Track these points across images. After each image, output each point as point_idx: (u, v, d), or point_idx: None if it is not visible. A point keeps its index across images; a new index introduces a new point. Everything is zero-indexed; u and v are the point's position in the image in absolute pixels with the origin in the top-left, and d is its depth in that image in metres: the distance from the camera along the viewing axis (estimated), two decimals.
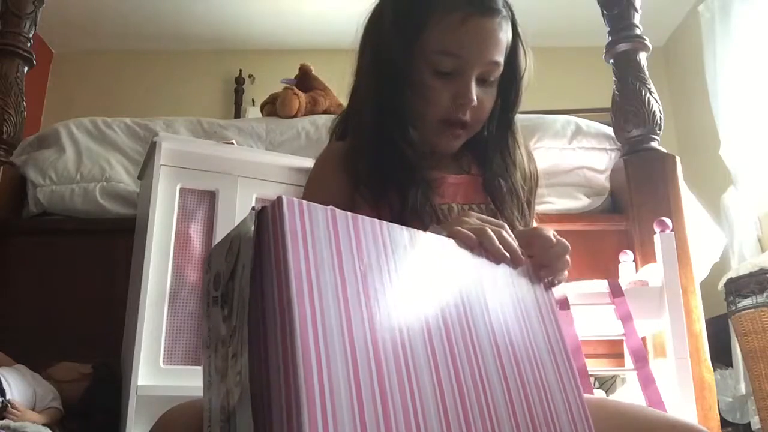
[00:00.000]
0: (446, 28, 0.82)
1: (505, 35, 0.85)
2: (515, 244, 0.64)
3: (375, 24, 0.90)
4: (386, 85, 0.86)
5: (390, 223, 0.53)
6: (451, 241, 0.59)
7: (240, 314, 0.45)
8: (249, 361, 0.43)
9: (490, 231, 0.62)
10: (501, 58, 0.85)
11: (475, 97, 0.83)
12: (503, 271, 0.62)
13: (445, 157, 0.92)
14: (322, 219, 0.47)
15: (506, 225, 0.65)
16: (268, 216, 0.45)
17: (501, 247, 0.62)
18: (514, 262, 0.63)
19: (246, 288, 0.44)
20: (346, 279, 0.46)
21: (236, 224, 0.48)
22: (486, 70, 0.84)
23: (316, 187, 0.90)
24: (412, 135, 0.87)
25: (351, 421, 0.40)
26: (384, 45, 0.86)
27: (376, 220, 0.51)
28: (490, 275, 0.61)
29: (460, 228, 0.61)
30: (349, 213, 0.50)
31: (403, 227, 0.54)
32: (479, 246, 0.61)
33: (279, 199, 0.45)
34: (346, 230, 0.48)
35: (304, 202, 0.46)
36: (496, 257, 0.62)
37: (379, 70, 0.87)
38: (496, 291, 0.60)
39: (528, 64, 0.89)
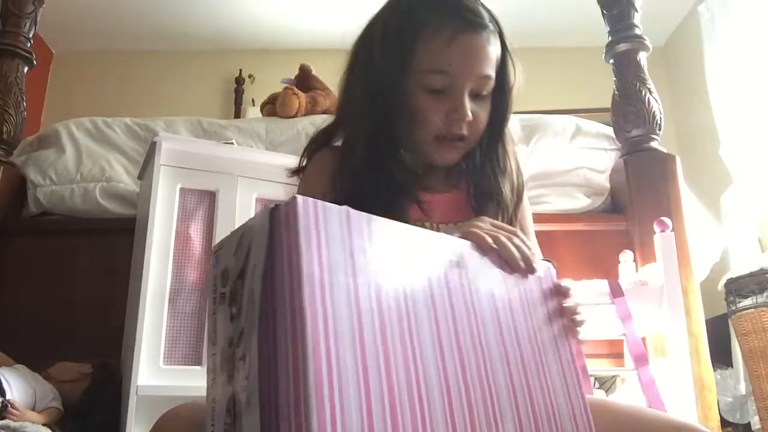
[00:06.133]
0: (435, 48, 0.83)
1: (494, 49, 0.85)
2: (528, 250, 0.64)
3: (364, 48, 0.90)
4: (378, 110, 0.86)
5: (405, 224, 0.52)
6: (466, 243, 0.60)
7: (250, 316, 0.44)
8: (258, 362, 0.42)
9: (503, 236, 0.63)
10: (492, 72, 0.86)
11: (469, 112, 0.84)
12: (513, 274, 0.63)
13: (433, 176, 0.92)
14: (336, 219, 0.46)
15: (519, 231, 0.66)
16: (281, 215, 0.44)
17: (515, 251, 0.63)
18: (527, 268, 0.64)
19: (257, 289, 0.43)
20: (359, 281, 0.45)
21: (244, 222, 0.47)
22: (478, 85, 0.85)
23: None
24: (404, 157, 0.87)
25: (359, 425, 0.40)
26: (374, 70, 0.87)
27: (392, 221, 0.51)
28: (500, 275, 0.61)
29: (473, 230, 0.62)
30: (363, 213, 0.49)
31: (419, 228, 0.53)
32: (492, 249, 0.62)
33: (293, 198, 0.44)
34: (360, 231, 0.47)
35: (319, 201, 0.45)
36: (508, 261, 0.62)
37: (371, 95, 0.87)
38: (505, 289, 0.60)
39: (517, 76, 0.90)
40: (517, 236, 0.65)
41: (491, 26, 0.85)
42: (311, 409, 0.38)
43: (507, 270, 0.62)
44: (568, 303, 0.68)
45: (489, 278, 0.59)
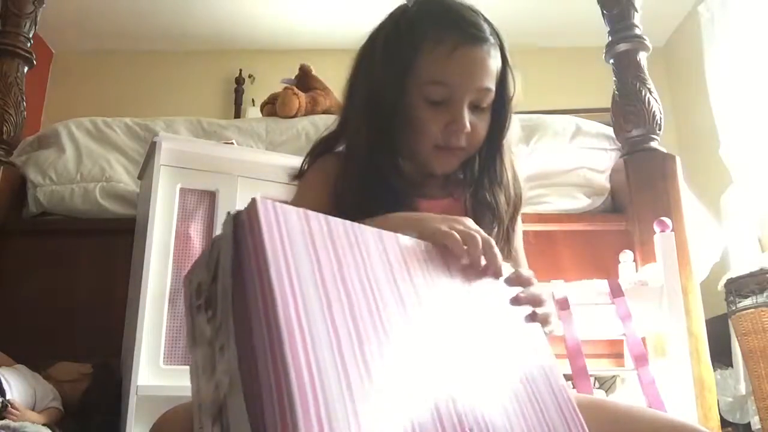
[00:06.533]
0: (436, 59, 0.83)
1: (494, 62, 0.86)
2: (499, 256, 0.63)
3: (366, 58, 0.91)
4: (378, 119, 0.87)
5: (359, 225, 0.54)
6: (421, 243, 0.59)
7: (224, 309, 0.46)
8: (237, 351, 0.43)
9: (479, 238, 0.62)
10: (492, 85, 0.86)
11: (468, 124, 0.84)
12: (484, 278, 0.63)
13: (431, 184, 0.93)
14: (296, 219, 0.49)
15: (492, 240, 0.64)
16: (244, 218, 0.46)
17: (482, 255, 0.62)
18: (493, 273, 0.63)
19: (228, 285, 0.46)
20: (324, 273, 0.47)
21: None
22: (477, 97, 0.85)
23: (302, 203, 0.89)
24: (403, 165, 0.88)
25: (343, 408, 0.41)
26: (376, 79, 0.88)
27: (348, 222, 0.53)
28: (471, 277, 0.61)
29: (445, 229, 0.60)
30: (320, 214, 0.51)
31: (373, 229, 0.55)
32: (465, 253, 0.60)
33: (253, 200, 0.47)
34: (319, 229, 0.50)
35: (278, 203, 0.48)
36: (474, 265, 0.61)
37: (371, 104, 0.88)
38: (476, 295, 0.60)
39: (516, 89, 0.90)
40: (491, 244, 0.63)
41: (492, 39, 0.86)
42: (294, 398, 0.39)
43: (470, 272, 0.61)
44: (529, 291, 0.66)
45: (456, 277, 0.59)
